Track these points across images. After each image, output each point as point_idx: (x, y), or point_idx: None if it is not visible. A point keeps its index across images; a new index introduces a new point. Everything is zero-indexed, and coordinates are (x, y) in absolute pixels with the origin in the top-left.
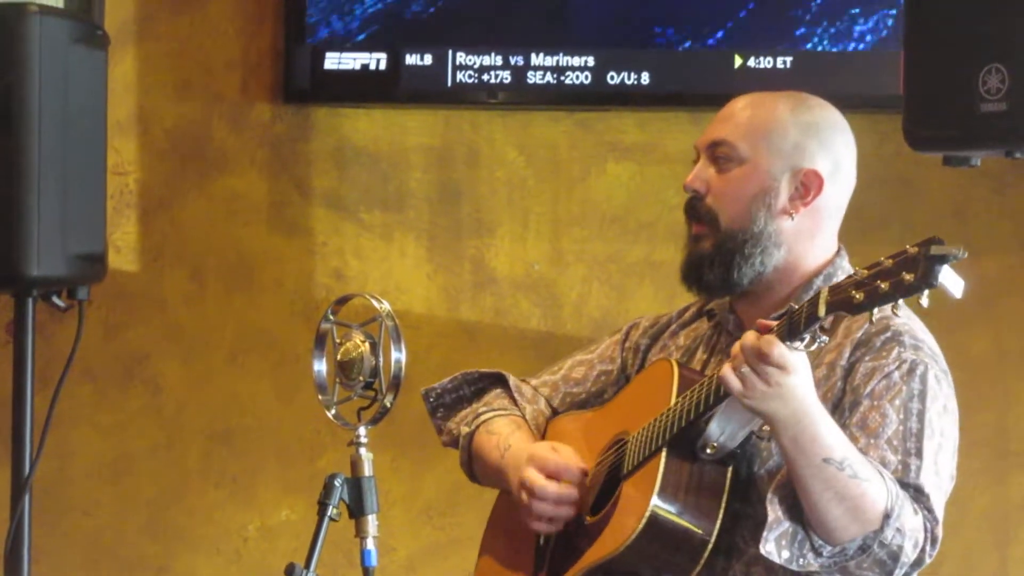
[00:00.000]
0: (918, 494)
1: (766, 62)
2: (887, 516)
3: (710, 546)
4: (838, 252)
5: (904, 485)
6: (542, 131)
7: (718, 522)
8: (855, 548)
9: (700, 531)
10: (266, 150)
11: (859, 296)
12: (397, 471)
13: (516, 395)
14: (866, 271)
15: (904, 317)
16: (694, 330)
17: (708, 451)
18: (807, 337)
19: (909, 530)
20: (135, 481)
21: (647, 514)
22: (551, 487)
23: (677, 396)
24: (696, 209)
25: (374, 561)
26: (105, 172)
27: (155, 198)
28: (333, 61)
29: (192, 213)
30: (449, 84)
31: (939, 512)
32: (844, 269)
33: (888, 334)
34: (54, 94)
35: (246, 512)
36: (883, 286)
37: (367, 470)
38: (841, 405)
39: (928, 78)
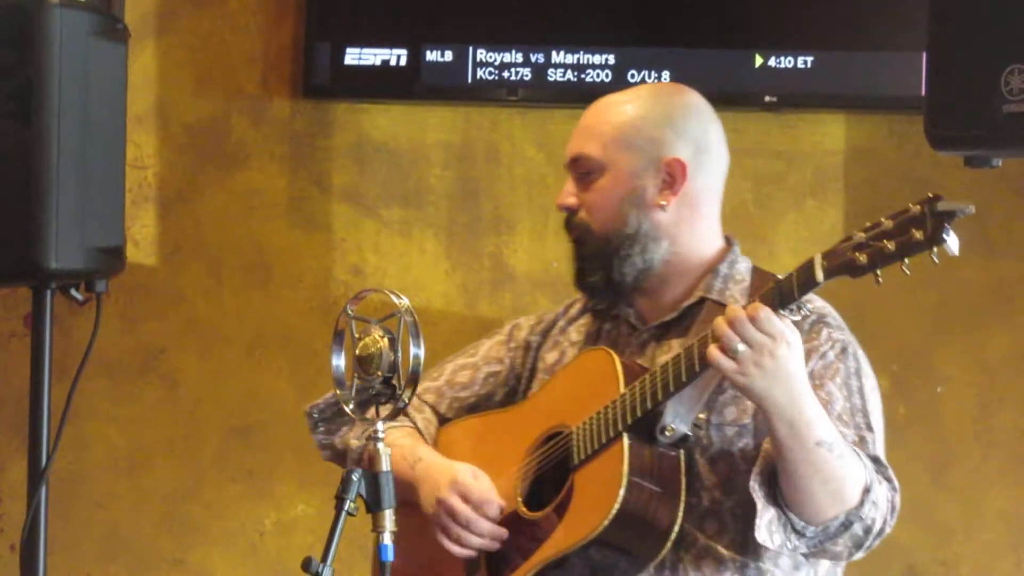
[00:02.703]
0: (878, 466)
1: (787, 61)
2: (867, 491)
3: (675, 531)
4: (730, 246)
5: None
6: (562, 129)
7: (681, 505)
8: (837, 525)
9: (667, 515)
10: (285, 145)
11: (862, 258)
12: None
13: None
14: (863, 233)
15: (820, 301)
16: (583, 325)
17: (666, 433)
18: (795, 307)
19: (881, 502)
20: (151, 475)
21: (619, 498)
22: (484, 524)
23: (625, 385)
24: (571, 224)
25: (390, 556)
26: (124, 165)
27: (174, 192)
28: (353, 56)
29: (211, 208)
30: (469, 81)
31: (896, 481)
32: (740, 261)
33: (813, 317)
34: (74, 87)
35: (262, 506)
36: (889, 246)
37: (385, 465)
38: None
39: (951, 79)
